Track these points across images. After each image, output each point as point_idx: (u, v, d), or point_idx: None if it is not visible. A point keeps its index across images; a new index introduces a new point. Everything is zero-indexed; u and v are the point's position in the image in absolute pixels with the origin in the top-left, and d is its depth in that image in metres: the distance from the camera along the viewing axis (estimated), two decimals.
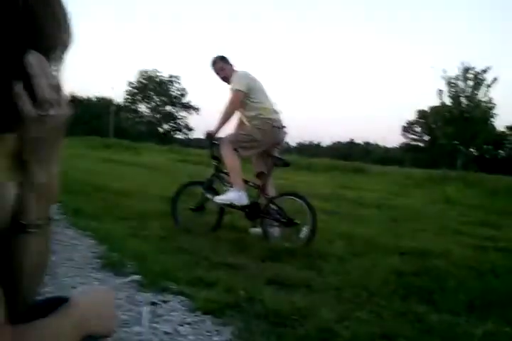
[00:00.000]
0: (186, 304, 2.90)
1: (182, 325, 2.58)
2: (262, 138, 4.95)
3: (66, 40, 0.79)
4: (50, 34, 0.75)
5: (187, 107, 68.38)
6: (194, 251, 4.07)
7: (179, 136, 70.19)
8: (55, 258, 3.56)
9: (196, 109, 68.25)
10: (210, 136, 5.18)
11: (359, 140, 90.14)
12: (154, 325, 2.54)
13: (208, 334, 2.50)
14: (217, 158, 5.17)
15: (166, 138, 61.19)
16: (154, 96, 67.33)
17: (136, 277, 2.97)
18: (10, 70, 0.71)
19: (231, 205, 4.86)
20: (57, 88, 0.74)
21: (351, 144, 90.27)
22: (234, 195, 4.75)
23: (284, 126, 5.17)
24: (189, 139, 72.04)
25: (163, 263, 3.56)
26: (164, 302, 2.91)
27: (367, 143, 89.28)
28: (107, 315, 0.96)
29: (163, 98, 67.32)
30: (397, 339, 2.48)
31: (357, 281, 3.44)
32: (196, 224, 5.15)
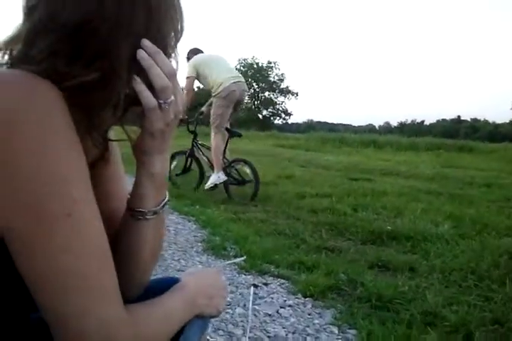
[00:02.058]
0: (287, 287, 2.92)
1: (283, 307, 2.60)
2: (228, 105, 6.00)
3: (179, 31, 0.81)
4: (168, 28, 0.78)
5: (286, 92, 68.51)
6: (293, 235, 4.07)
7: (278, 121, 70.65)
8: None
9: (295, 94, 68.21)
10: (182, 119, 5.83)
11: (466, 116, 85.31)
12: (255, 306, 2.58)
13: (309, 316, 2.49)
14: (193, 132, 6.64)
15: (265, 124, 61.79)
16: (253, 83, 68.10)
17: (240, 259, 3.05)
18: (130, 67, 0.73)
19: (216, 186, 6.03)
20: (172, 75, 0.76)
21: (458, 121, 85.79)
22: (214, 178, 5.95)
23: (243, 88, 6.19)
24: (288, 124, 72.35)
25: (263, 247, 3.60)
26: (265, 284, 2.94)
27: (474, 120, 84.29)
28: (215, 295, 0.99)
29: (262, 84, 67.90)
30: (509, 325, 2.32)
31: (465, 264, 3.26)
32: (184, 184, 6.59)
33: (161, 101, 0.75)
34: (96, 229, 0.67)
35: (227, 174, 6.05)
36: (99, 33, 0.69)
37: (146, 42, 0.73)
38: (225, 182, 6.08)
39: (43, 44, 0.68)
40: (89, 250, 0.65)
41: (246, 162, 6.14)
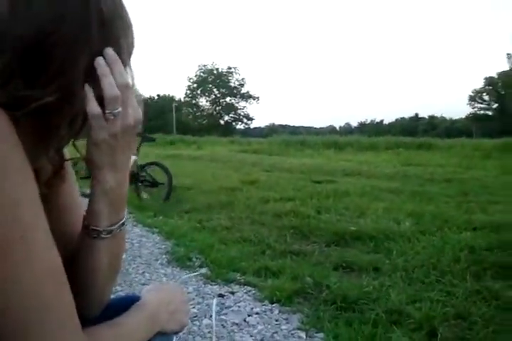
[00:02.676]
0: (253, 294, 2.92)
1: (250, 315, 2.60)
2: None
3: (131, 44, 0.80)
4: (121, 41, 0.76)
5: (246, 97, 68.86)
6: (258, 241, 4.07)
7: (240, 126, 70.91)
8: (124, 255, 3.67)
9: (256, 98, 68.59)
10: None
11: (424, 114, 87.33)
12: (223, 316, 2.57)
13: (277, 323, 2.50)
14: None
15: (228, 130, 61.90)
16: (214, 89, 68.21)
17: (203, 270, 3.04)
18: (86, 76, 0.71)
19: None
20: (124, 87, 0.74)
21: (416, 119, 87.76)
22: None
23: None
24: (250, 129, 72.63)
25: (228, 255, 3.59)
26: (232, 293, 2.93)
27: (432, 117, 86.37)
28: (177, 310, 0.97)
29: (222, 90, 68.08)
30: (472, 319, 2.38)
31: (427, 261, 3.33)
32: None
33: (107, 111, 0.72)
34: (49, 250, 0.65)
35: (136, 178, 6.30)
36: (55, 50, 0.67)
37: (108, 51, 0.72)
38: (136, 185, 6.31)
39: None
40: (44, 271, 0.63)
41: (158, 164, 6.46)
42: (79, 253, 0.85)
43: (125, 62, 0.77)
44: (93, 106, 0.72)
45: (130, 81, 0.76)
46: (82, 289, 0.83)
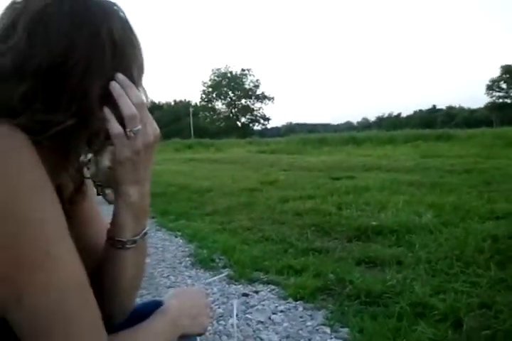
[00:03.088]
0: (277, 292, 2.94)
1: (275, 313, 2.62)
2: None
3: (141, 66, 0.84)
4: (132, 65, 0.81)
5: (262, 98, 68.90)
6: (280, 239, 4.10)
7: (257, 127, 70.97)
8: (149, 260, 3.74)
9: (271, 99, 68.58)
10: None
11: (442, 105, 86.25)
12: (248, 315, 2.59)
13: (302, 319, 2.51)
14: None
15: (245, 131, 61.98)
16: (229, 92, 68.42)
17: (223, 275, 3.07)
18: (102, 99, 0.76)
19: None
20: (140, 106, 0.79)
21: (433, 110, 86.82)
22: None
23: None
24: (267, 129, 72.66)
25: (251, 255, 3.62)
26: (256, 292, 2.96)
27: (450, 108, 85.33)
28: (199, 314, 1.01)
29: (237, 92, 68.25)
30: (498, 308, 2.36)
31: (450, 252, 3.32)
32: None
33: (128, 130, 0.77)
34: (74, 264, 0.68)
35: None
36: (72, 76, 0.71)
37: (119, 76, 0.77)
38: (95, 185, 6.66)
39: (16, 94, 0.69)
40: (69, 286, 0.66)
41: None
42: (104, 263, 0.89)
43: (137, 83, 0.81)
44: (115, 126, 0.77)
45: (145, 100, 0.81)
46: (108, 298, 0.87)
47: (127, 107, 0.77)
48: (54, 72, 0.70)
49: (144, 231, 0.88)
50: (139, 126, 0.78)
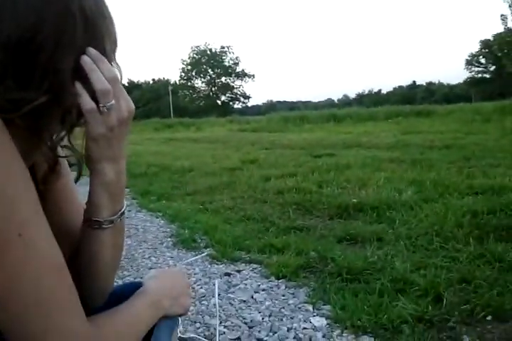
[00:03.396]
0: (259, 271, 2.94)
1: (257, 292, 2.62)
2: None
3: (114, 41, 0.81)
4: (105, 39, 0.78)
5: (242, 75, 68.34)
6: (262, 218, 4.10)
7: (238, 105, 70.62)
8: (130, 241, 3.71)
9: (251, 76, 68.08)
10: None
11: (422, 81, 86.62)
12: (230, 294, 2.60)
13: (284, 298, 2.52)
14: None
15: (225, 110, 61.63)
16: (209, 70, 67.67)
17: (203, 254, 3.07)
18: (74, 74, 0.73)
19: None
20: (114, 80, 0.76)
21: (413, 86, 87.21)
22: None
23: None
24: (248, 107, 72.39)
25: (233, 234, 3.62)
26: (238, 271, 2.96)
27: (429, 83, 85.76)
28: (180, 294, 1.00)
29: (217, 70, 67.54)
30: (477, 282, 2.40)
31: (430, 228, 3.35)
32: None
33: (101, 105, 0.74)
34: (48, 245, 0.66)
35: None
36: (43, 51, 0.68)
37: (91, 50, 0.74)
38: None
39: None
40: (44, 266, 0.64)
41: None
42: (81, 244, 0.87)
43: (110, 58, 0.78)
44: (87, 101, 0.74)
45: (118, 74, 0.78)
46: (86, 280, 0.86)
47: (99, 82, 0.74)
48: (23, 46, 0.67)
49: (122, 210, 0.86)
50: (112, 101, 0.75)
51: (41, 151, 0.80)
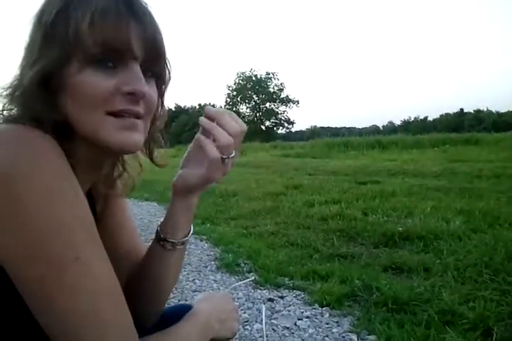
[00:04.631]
0: (303, 298, 2.93)
1: (301, 319, 2.61)
2: None
3: (103, 9, 0.72)
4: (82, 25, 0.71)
5: (286, 101, 68.70)
6: (305, 244, 4.08)
7: (281, 131, 70.88)
8: None
9: (295, 102, 68.40)
10: None
11: (469, 108, 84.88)
12: (273, 321, 2.59)
13: (328, 326, 2.50)
14: None
15: (269, 135, 61.92)
16: (253, 95, 68.36)
17: (249, 280, 3.08)
18: None
19: None
20: (236, 135, 0.83)
21: (461, 114, 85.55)
22: None
23: None
24: (291, 132, 72.59)
25: (276, 260, 3.62)
26: (281, 297, 2.95)
27: (477, 111, 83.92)
28: (228, 318, 1.02)
29: (262, 96, 68.15)
30: None
31: (479, 259, 3.25)
32: None
33: (225, 157, 0.82)
34: (104, 269, 0.68)
35: None
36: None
37: (207, 110, 0.84)
38: None
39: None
40: (100, 290, 0.66)
41: None
42: (147, 266, 0.92)
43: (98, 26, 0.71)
44: (213, 152, 0.81)
45: (241, 128, 0.84)
46: (144, 301, 0.90)
47: (223, 137, 0.81)
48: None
49: (191, 232, 0.92)
50: (233, 153, 0.83)
51: (98, 179, 0.86)
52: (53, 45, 0.70)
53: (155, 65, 0.78)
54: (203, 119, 0.82)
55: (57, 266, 0.63)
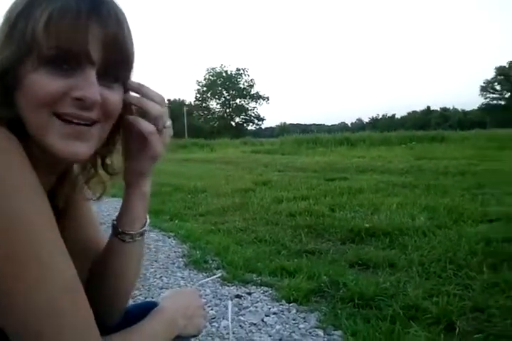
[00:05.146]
0: (270, 294, 2.93)
1: (268, 315, 2.61)
2: None
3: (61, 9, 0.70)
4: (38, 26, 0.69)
5: (256, 98, 68.87)
6: (274, 241, 4.09)
7: (251, 127, 71.02)
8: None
9: (265, 99, 68.60)
10: None
11: (436, 106, 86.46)
12: (240, 317, 2.59)
13: (294, 322, 2.51)
14: None
15: (239, 131, 61.96)
16: (224, 91, 68.31)
17: (216, 276, 3.07)
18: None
19: None
20: (162, 102, 0.82)
21: (427, 112, 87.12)
22: None
23: None
24: (261, 129, 72.76)
25: (244, 256, 3.61)
26: (249, 294, 2.95)
27: (444, 109, 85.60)
28: (194, 314, 1.01)
29: (232, 92, 68.16)
30: (490, 311, 2.37)
31: (443, 255, 3.33)
32: None
33: (160, 127, 0.81)
34: (64, 267, 0.67)
35: None
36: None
37: (130, 83, 0.79)
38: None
39: None
40: (59, 287, 0.65)
41: None
42: (107, 260, 0.89)
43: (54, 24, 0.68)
44: (147, 125, 0.79)
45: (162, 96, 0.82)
46: (106, 297, 0.88)
47: (154, 108, 0.80)
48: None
49: (147, 222, 0.90)
50: (168, 122, 0.82)
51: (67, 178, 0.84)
52: (12, 42, 0.68)
53: (118, 69, 0.74)
54: (130, 95, 0.79)
55: (16, 265, 0.61)
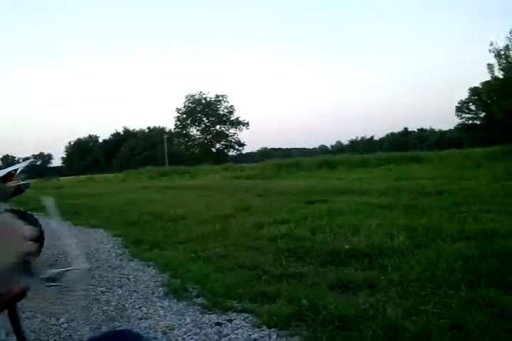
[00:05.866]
0: (251, 320, 2.92)
1: None
2: None
3: None
4: None
5: (236, 123, 69.23)
6: (254, 266, 4.07)
7: (232, 153, 71.14)
8: (121, 291, 3.68)
9: (245, 124, 68.99)
10: None
11: (413, 127, 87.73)
12: None
13: None
14: None
15: (220, 157, 62.01)
16: (203, 118, 68.57)
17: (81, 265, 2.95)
18: None
19: None
20: None
21: (405, 133, 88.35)
22: None
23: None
24: (242, 154, 72.93)
25: (224, 283, 3.59)
26: (229, 321, 2.93)
27: (421, 130, 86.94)
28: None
29: (212, 118, 68.46)
30: (468, 328, 2.39)
31: (421, 274, 3.35)
32: None
33: None
34: None
35: None
36: None
37: None
38: None
39: None
40: None
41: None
42: None
43: None
44: None
45: None
46: None
47: None
48: None
49: None
50: None
51: None
52: None
53: None
54: None
55: None
